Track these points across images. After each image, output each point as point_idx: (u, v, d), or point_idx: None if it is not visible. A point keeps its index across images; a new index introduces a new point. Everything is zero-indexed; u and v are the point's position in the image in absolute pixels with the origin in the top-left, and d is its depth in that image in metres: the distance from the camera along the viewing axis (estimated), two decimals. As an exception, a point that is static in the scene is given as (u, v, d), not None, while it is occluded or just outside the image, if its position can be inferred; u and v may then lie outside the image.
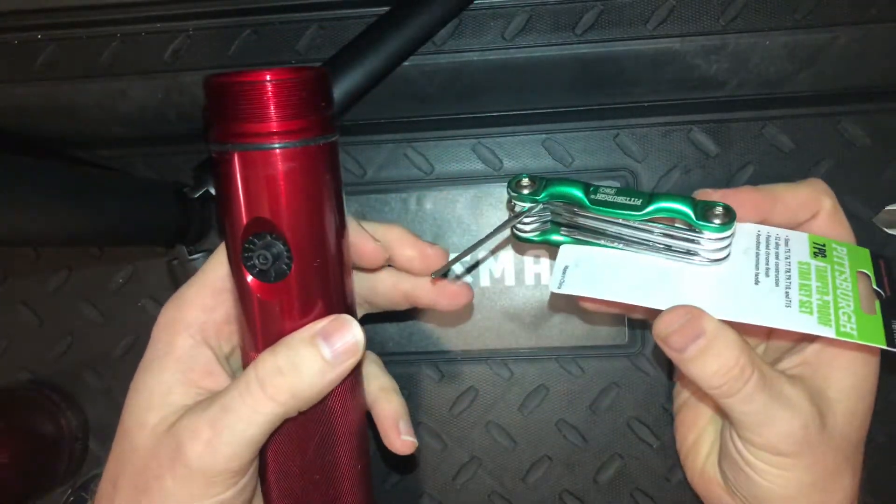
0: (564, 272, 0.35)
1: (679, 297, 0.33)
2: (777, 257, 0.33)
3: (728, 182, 0.45)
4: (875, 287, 0.33)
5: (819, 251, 0.33)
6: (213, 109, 0.29)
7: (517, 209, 0.36)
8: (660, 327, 0.32)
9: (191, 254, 0.43)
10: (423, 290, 0.37)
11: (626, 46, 0.43)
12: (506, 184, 0.46)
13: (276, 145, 0.28)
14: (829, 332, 0.31)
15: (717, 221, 0.32)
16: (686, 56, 0.43)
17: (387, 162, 0.47)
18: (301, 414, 0.31)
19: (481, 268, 0.47)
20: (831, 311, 0.32)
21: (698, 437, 0.38)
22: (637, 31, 0.43)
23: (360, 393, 0.35)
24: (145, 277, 0.49)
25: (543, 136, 0.47)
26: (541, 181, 0.35)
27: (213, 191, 0.43)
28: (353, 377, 0.33)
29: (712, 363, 0.31)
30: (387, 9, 0.43)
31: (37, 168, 0.34)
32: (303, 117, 0.29)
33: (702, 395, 0.37)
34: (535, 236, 0.37)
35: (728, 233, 0.32)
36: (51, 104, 0.46)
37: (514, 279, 0.47)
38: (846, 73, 0.42)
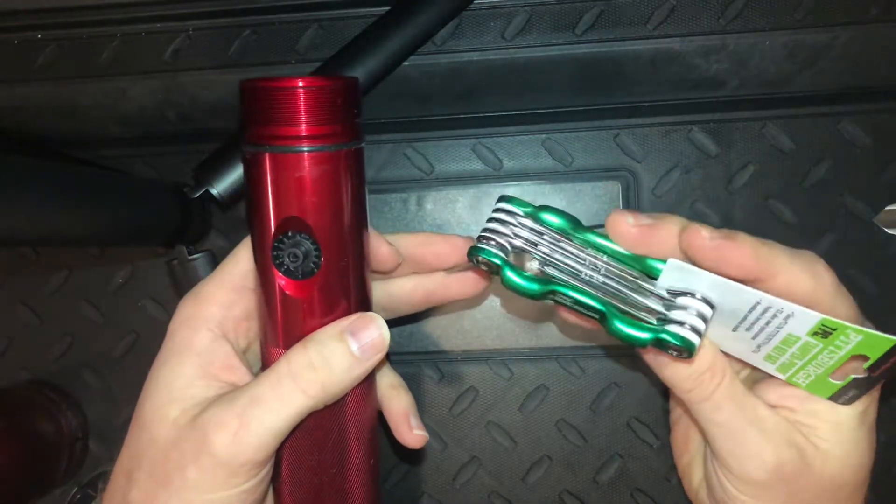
0: None
1: None
2: (767, 325, 0.31)
3: (728, 182, 0.45)
4: (865, 367, 0.30)
5: (822, 333, 0.30)
6: (248, 112, 0.30)
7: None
8: None
9: (191, 254, 0.43)
10: (448, 284, 0.38)
11: (626, 46, 0.43)
12: (503, 186, 0.46)
13: (309, 148, 0.30)
14: (781, 376, 0.32)
15: (674, 355, 0.30)
16: (686, 56, 0.43)
17: (387, 162, 0.47)
18: (323, 409, 0.32)
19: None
20: (794, 369, 0.32)
21: (691, 460, 0.38)
22: (637, 31, 0.43)
23: (374, 390, 0.36)
24: (145, 277, 0.49)
25: (543, 136, 0.47)
26: (500, 267, 0.32)
27: (213, 191, 0.43)
28: (370, 374, 0.33)
29: (685, 367, 0.32)
30: (387, 9, 0.43)
31: (37, 168, 0.34)
32: (335, 123, 0.30)
33: (690, 415, 0.36)
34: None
35: (686, 360, 0.31)
36: (51, 104, 0.46)
37: (514, 279, 0.47)
38: (846, 73, 0.42)
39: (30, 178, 0.33)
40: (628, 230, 0.31)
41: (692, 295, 0.31)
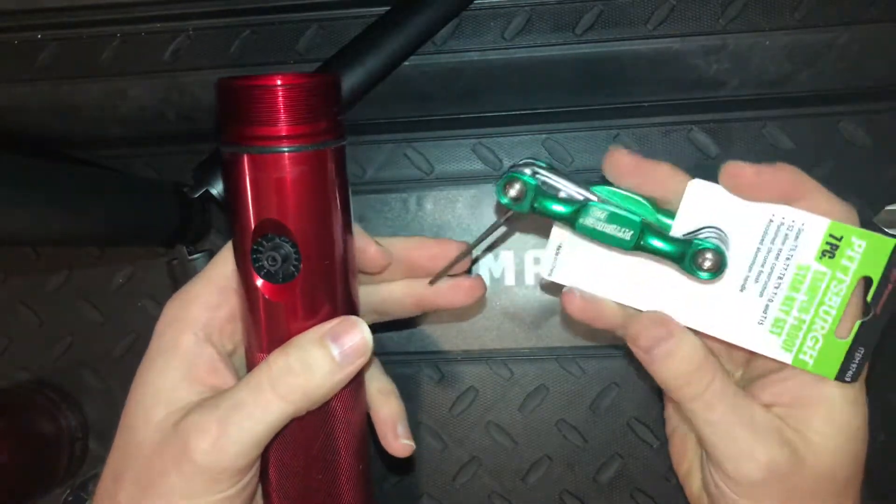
0: (558, 251, 0.35)
1: (662, 299, 0.34)
2: (777, 257, 0.32)
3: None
4: (868, 301, 0.32)
5: (830, 249, 0.32)
6: (226, 112, 0.30)
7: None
8: (629, 328, 0.34)
9: (191, 254, 0.43)
10: (440, 292, 0.38)
11: (626, 46, 0.43)
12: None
13: (288, 148, 0.29)
14: (786, 359, 0.33)
15: (707, 267, 0.31)
16: (686, 56, 0.43)
17: (387, 162, 0.47)
18: (307, 413, 0.31)
19: (481, 268, 0.47)
20: (801, 334, 0.33)
21: (690, 467, 0.38)
22: (637, 31, 0.43)
23: (363, 394, 0.35)
24: (145, 277, 0.49)
25: (543, 136, 0.46)
26: (530, 190, 0.32)
27: (213, 191, 0.43)
28: (357, 378, 0.33)
29: (677, 366, 0.32)
30: (387, 9, 0.43)
31: (37, 168, 0.34)
32: (315, 122, 0.29)
33: (685, 418, 0.37)
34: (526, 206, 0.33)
35: (716, 280, 0.32)
36: (51, 104, 0.46)
37: (514, 279, 0.47)
38: (846, 73, 0.42)
39: (30, 178, 0.33)
40: (625, 159, 0.33)
41: (708, 228, 0.32)
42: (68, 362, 0.49)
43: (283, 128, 0.29)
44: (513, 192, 0.32)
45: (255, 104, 0.29)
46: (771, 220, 0.32)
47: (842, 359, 0.32)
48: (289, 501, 0.34)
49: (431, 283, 0.37)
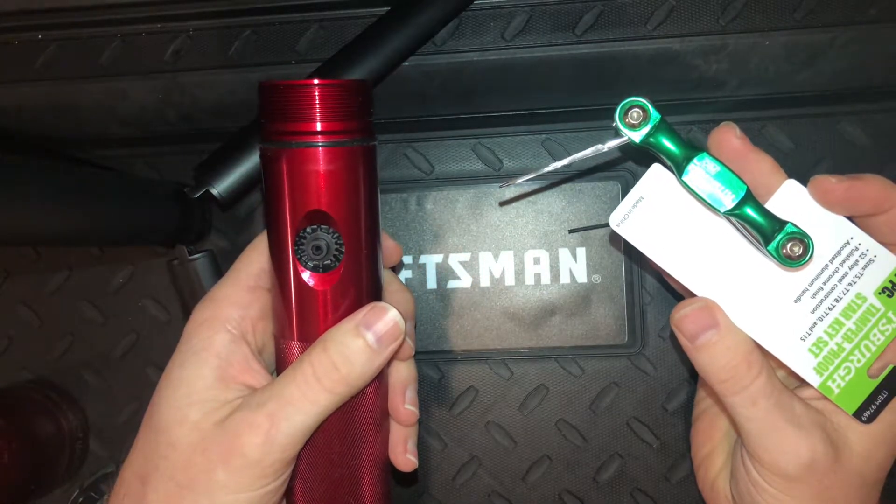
0: (636, 204, 0.34)
1: (716, 288, 0.33)
2: (841, 280, 0.32)
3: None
4: None
5: (891, 288, 0.32)
6: (279, 111, 0.31)
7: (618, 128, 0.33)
8: (676, 311, 0.34)
9: (191, 254, 0.43)
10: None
11: (626, 46, 0.43)
12: (503, 182, 0.46)
13: (338, 143, 0.31)
14: (814, 381, 0.33)
15: (791, 254, 0.31)
16: (686, 56, 0.43)
17: (387, 162, 0.47)
18: (345, 404, 0.32)
19: (481, 268, 0.47)
20: (837, 360, 0.33)
21: (712, 451, 0.38)
22: (637, 31, 0.43)
23: (386, 377, 0.37)
24: (145, 277, 0.49)
25: (543, 136, 0.47)
26: (649, 121, 0.32)
27: (213, 191, 0.42)
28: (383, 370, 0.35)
29: (721, 356, 0.32)
30: (387, 9, 0.43)
31: (37, 168, 0.34)
32: (362, 119, 0.33)
33: (721, 405, 0.37)
34: (643, 137, 0.33)
35: (798, 269, 0.32)
36: (51, 104, 0.46)
37: (514, 279, 0.47)
38: (846, 73, 0.42)
39: (30, 178, 0.33)
40: (733, 141, 0.33)
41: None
42: (68, 362, 0.49)
43: (336, 124, 0.31)
44: (633, 118, 0.32)
45: (314, 103, 0.31)
46: (847, 243, 0.32)
47: (865, 397, 0.32)
48: (317, 491, 0.34)
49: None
